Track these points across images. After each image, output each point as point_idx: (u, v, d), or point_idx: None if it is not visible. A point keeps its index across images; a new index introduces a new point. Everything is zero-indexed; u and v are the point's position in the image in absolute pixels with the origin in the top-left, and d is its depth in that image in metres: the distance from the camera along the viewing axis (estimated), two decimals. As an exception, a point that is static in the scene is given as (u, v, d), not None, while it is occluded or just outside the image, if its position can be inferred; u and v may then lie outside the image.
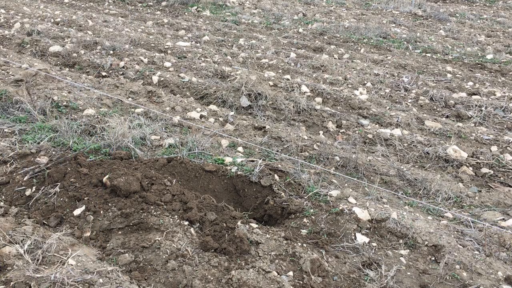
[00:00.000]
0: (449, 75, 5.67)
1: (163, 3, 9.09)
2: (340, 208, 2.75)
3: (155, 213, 2.51)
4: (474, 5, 10.48)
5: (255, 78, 4.59)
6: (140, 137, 3.46)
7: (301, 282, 2.22)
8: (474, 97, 4.92)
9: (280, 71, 5.46)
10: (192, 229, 2.47)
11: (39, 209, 2.54)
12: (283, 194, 2.92)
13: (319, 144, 3.66)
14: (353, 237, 2.56)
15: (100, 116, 3.76)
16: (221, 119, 4.06)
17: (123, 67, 5.24)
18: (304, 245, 2.46)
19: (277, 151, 3.50)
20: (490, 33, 7.97)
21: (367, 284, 2.26)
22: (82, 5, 8.87)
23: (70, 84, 4.50)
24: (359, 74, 5.46)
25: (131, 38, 6.23)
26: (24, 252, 2.10)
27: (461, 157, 3.62)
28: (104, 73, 5.08)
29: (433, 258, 2.49)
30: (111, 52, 5.73)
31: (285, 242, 2.43)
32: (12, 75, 4.63)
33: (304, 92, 4.72)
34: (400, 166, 3.45)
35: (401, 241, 2.59)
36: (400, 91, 5.07)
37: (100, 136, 3.38)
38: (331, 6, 9.79)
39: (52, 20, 7.26)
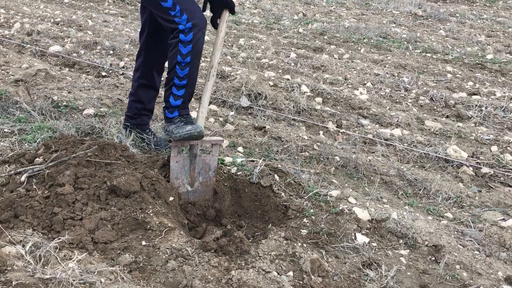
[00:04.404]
0: (449, 75, 5.67)
1: (163, 3, 9.07)
2: (340, 208, 2.75)
3: (154, 213, 2.51)
4: (474, 5, 10.48)
5: (255, 78, 4.59)
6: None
7: (301, 282, 2.22)
8: (474, 97, 4.92)
9: (280, 71, 5.46)
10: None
11: (39, 209, 2.54)
12: (283, 194, 2.92)
13: (319, 144, 3.66)
14: (353, 237, 2.56)
15: (99, 117, 3.76)
16: (221, 119, 4.06)
17: (123, 67, 5.24)
18: (304, 245, 2.46)
19: (277, 151, 3.50)
20: (490, 33, 7.97)
21: (367, 284, 2.26)
22: (82, 5, 8.87)
23: (70, 84, 4.51)
24: (359, 74, 5.47)
25: (131, 38, 6.24)
26: (26, 253, 2.10)
27: (461, 157, 3.62)
28: (104, 73, 5.08)
29: (433, 258, 2.50)
30: (111, 52, 5.73)
31: (285, 242, 2.43)
32: (12, 75, 4.63)
33: (304, 92, 4.73)
34: (400, 166, 3.45)
35: (401, 241, 2.59)
36: (400, 91, 5.07)
37: (99, 136, 3.38)
38: (331, 6, 9.79)
39: (52, 20, 7.26)
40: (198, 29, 2.77)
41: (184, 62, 2.77)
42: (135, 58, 3.46)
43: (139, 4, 3.28)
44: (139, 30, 3.35)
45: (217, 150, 2.92)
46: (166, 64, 3.05)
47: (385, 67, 5.86)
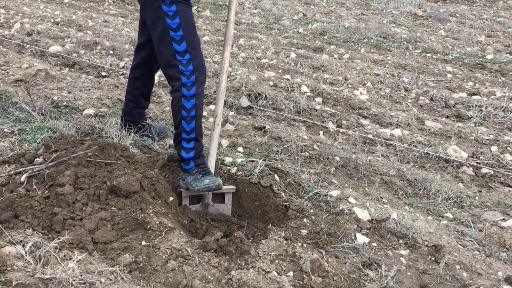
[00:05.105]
0: (449, 75, 5.67)
1: (163, 3, 9.06)
2: (340, 208, 2.75)
3: (154, 213, 2.51)
4: (474, 5, 10.48)
5: (255, 78, 4.60)
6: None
7: (301, 282, 2.22)
8: (474, 97, 4.92)
9: (280, 71, 5.46)
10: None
11: (39, 209, 2.53)
12: (283, 194, 2.92)
13: (319, 144, 3.66)
14: (353, 237, 2.56)
15: (99, 117, 3.76)
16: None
17: (123, 67, 5.24)
18: (304, 245, 2.46)
19: (277, 151, 3.50)
20: (490, 33, 7.97)
21: (367, 284, 2.27)
22: (82, 5, 8.87)
23: (70, 84, 4.50)
24: (359, 74, 5.47)
25: (131, 38, 6.24)
26: (26, 253, 2.10)
27: (461, 157, 3.62)
28: (104, 73, 5.08)
29: (433, 258, 2.50)
30: (111, 52, 5.73)
31: (285, 242, 2.43)
32: (12, 75, 4.63)
33: (304, 92, 4.73)
34: (400, 166, 3.45)
35: (401, 241, 2.59)
36: (400, 91, 5.07)
37: (99, 136, 3.38)
38: (331, 6, 9.79)
39: (52, 20, 7.26)
40: (200, 83, 2.78)
41: (189, 116, 2.77)
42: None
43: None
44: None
45: (230, 199, 2.92)
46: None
47: (385, 67, 5.86)
